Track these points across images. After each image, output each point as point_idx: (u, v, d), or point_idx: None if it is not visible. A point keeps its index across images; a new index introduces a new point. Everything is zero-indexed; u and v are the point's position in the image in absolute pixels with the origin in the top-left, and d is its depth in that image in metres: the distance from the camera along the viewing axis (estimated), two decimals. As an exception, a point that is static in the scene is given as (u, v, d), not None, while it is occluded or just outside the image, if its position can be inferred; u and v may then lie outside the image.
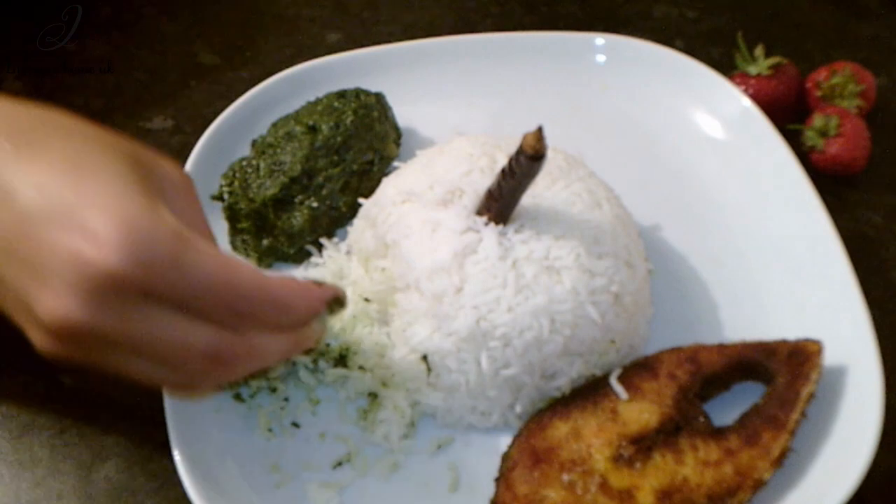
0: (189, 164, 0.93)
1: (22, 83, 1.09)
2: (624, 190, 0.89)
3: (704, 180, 0.97)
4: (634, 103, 1.03)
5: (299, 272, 0.89)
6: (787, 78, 1.03)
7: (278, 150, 0.92)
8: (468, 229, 0.79)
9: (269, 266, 0.90)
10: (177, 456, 0.75)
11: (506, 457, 0.76)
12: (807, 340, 0.78)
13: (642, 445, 0.74)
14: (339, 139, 0.92)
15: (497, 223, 0.79)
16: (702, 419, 0.76)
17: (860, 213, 0.98)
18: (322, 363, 0.81)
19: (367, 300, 0.83)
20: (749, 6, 1.19)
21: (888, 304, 0.90)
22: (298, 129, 0.93)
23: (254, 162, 0.92)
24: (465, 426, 0.80)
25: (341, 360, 0.81)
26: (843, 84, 1.02)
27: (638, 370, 0.79)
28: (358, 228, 0.89)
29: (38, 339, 0.62)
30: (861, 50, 1.13)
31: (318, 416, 0.81)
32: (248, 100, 0.99)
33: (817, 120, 0.99)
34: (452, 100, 1.03)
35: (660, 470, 0.73)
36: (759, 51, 1.04)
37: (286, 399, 0.81)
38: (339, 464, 0.78)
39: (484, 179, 0.80)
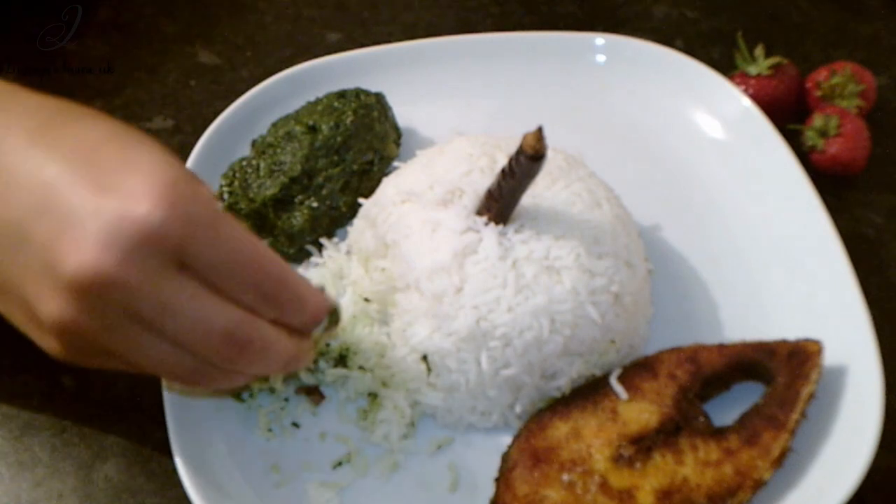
0: (189, 164, 0.93)
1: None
2: (624, 190, 0.89)
3: (704, 180, 0.97)
4: (634, 103, 1.03)
5: (299, 272, 0.89)
6: (787, 78, 1.03)
7: (278, 150, 0.92)
8: (468, 229, 0.79)
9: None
10: (177, 456, 0.75)
11: (506, 457, 0.76)
12: (807, 340, 0.78)
13: (642, 445, 0.74)
14: (339, 139, 0.92)
15: (497, 223, 0.79)
16: (702, 419, 0.76)
17: (860, 213, 0.98)
18: (322, 363, 0.81)
19: (366, 300, 0.83)
20: (749, 6, 1.19)
21: (888, 304, 0.90)
22: (298, 129, 0.93)
23: (254, 162, 0.92)
24: (465, 426, 0.80)
25: (341, 360, 0.81)
26: (843, 84, 1.02)
27: (638, 370, 0.79)
28: (358, 228, 0.89)
29: (56, 308, 0.60)
30: (861, 50, 1.13)
31: (318, 416, 0.81)
32: (248, 100, 0.99)
33: (817, 120, 0.99)
34: (452, 100, 1.03)
35: (660, 470, 0.73)
36: (759, 51, 1.04)
37: (286, 399, 0.81)
38: (339, 464, 0.78)
39: (484, 179, 0.81)
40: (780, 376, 0.77)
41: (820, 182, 0.91)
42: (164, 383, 0.79)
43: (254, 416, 0.80)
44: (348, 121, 0.93)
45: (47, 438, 0.82)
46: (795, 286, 0.87)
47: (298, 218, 0.89)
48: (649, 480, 0.73)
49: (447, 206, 0.80)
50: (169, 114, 1.07)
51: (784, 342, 0.79)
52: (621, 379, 0.78)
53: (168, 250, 0.59)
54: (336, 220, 0.92)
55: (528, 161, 0.74)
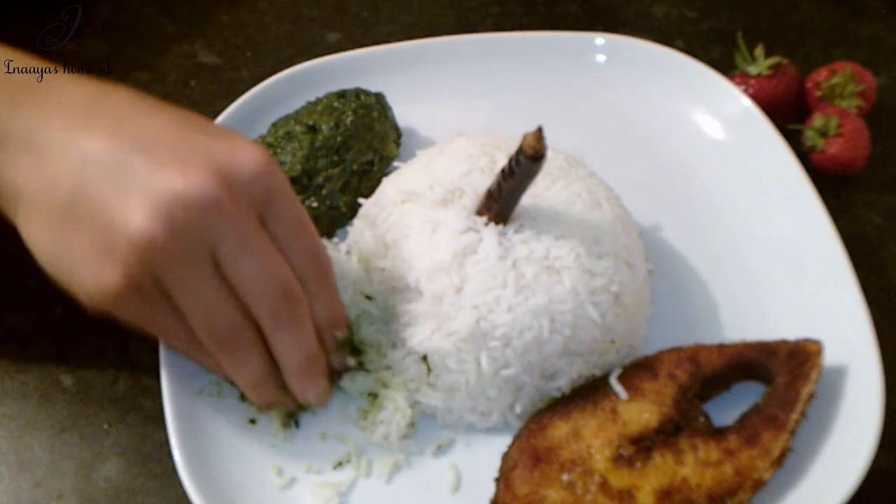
0: (189, 164, 0.93)
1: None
2: (624, 190, 0.89)
3: (704, 180, 0.97)
4: (634, 103, 1.03)
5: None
6: (787, 78, 1.03)
7: (278, 150, 0.92)
8: (468, 229, 0.79)
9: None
10: (177, 456, 0.75)
11: (506, 457, 0.76)
12: (807, 340, 0.78)
13: (642, 445, 0.74)
14: (339, 139, 0.92)
15: (497, 223, 0.79)
16: (702, 419, 0.76)
17: (860, 213, 0.98)
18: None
19: (368, 297, 0.83)
20: (749, 6, 1.19)
21: (888, 304, 0.90)
22: (298, 129, 0.93)
23: (254, 162, 0.92)
24: (465, 426, 0.80)
25: (356, 352, 0.80)
26: (843, 84, 1.02)
27: (638, 370, 0.79)
28: (358, 228, 0.89)
29: (146, 221, 0.63)
30: (861, 50, 1.13)
31: (319, 416, 0.81)
32: (248, 100, 0.99)
33: (817, 120, 0.99)
34: (452, 100, 1.03)
35: (660, 470, 0.73)
36: (759, 51, 1.04)
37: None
38: (340, 464, 0.78)
39: (484, 179, 0.81)
40: (780, 376, 0.77)
41: (820, 182, 0.91)
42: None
43: (254, 416, 0.80)
44: (348, 121, 0.93)
45: (47, 438, 0.82)
46: (795, 286, 0.87)
47: (298, 218, 0.89)
48: (649, 480, 0.73)
49: (447, 206, 0.81)
50: (169, 114, 1.07)
51: (784, 342, 0.79)
52: (621, 379, 0.78)
53: (258, 197, 0.67)
54: (336, 220, 0.92)
55: (528, 161, 0.74)
